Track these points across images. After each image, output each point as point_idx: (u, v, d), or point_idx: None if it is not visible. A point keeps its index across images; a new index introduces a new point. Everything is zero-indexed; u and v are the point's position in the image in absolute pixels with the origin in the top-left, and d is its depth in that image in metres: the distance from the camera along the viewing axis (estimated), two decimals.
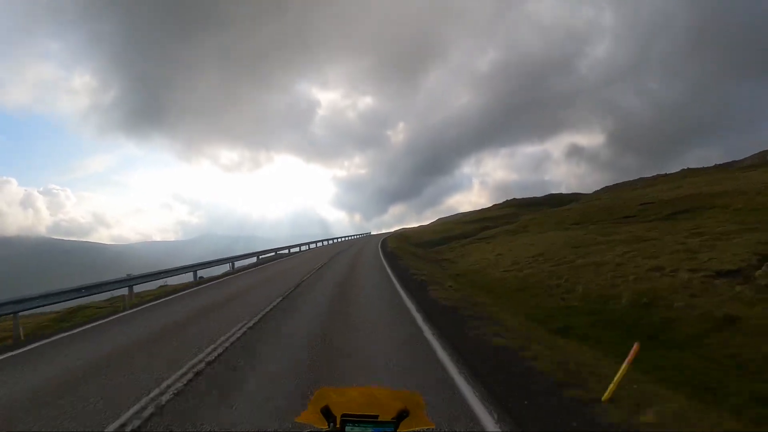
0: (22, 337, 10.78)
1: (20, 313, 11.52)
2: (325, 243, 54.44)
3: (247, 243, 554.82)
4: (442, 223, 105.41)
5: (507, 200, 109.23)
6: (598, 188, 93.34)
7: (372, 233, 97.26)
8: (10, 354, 8.83)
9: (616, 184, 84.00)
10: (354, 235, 77.00)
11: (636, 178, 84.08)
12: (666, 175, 75.72)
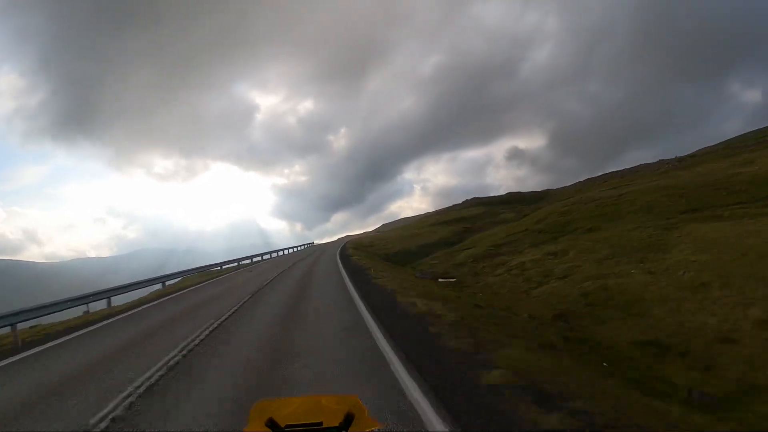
0: None
1: None
2: (258, 259, 41.17)
3: (183, 256, 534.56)
4: (402, 227, 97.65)
5: (467, 200, 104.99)
6: (556, 186, 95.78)
7: (315, 243, 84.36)
8: None
9: (590, 178, 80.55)
10: (294, 248, 58.73)
11: (584, 179, 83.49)
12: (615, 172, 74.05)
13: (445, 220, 72.88)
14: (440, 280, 23.69)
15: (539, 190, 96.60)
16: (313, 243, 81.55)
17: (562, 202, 43.76)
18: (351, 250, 37.62)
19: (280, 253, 50.56)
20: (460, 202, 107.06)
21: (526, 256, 24.07)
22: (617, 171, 72.86)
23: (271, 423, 1.20)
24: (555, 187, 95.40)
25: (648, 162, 74.15)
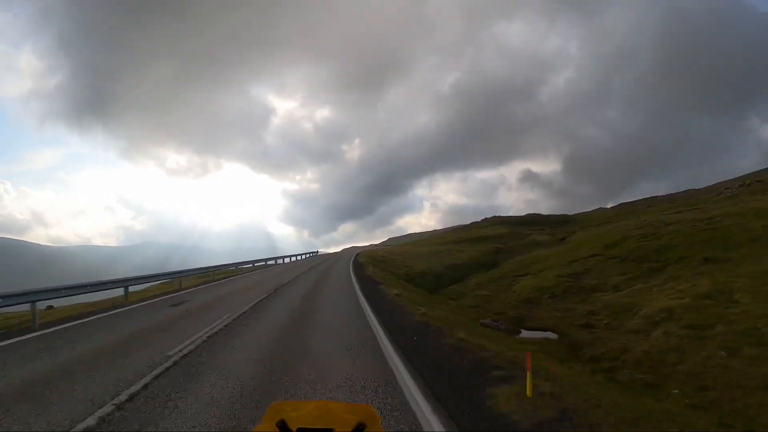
0: None
1: None
2: (248, 266, 36.23)
3: (189, 253, 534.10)
4: (414, 242, 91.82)
5: (486, 218, 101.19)
6: (572, 212, 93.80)
7: (319, 252, 76.61)
8: None
9: (626, 203, 76.00)
10: (296, 257, 51.58)
11: (596, 207, 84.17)
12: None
13: (466, 238, 66.64)
14: (524, 333, 16.00)
15: (556, 213, 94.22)
16: (317, 252, 73.85)
17: (614, 225, 38.14)
18: (368, 268, 30.02)
19: (279, 261, 43.84)
20: (478, 220, 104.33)
21: (649, 296, 17.14)
22: (663, 195, 68.09)
23: (282, 424, 1.20)
24: (571, 213, 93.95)
25: (660, 194, 75.04)
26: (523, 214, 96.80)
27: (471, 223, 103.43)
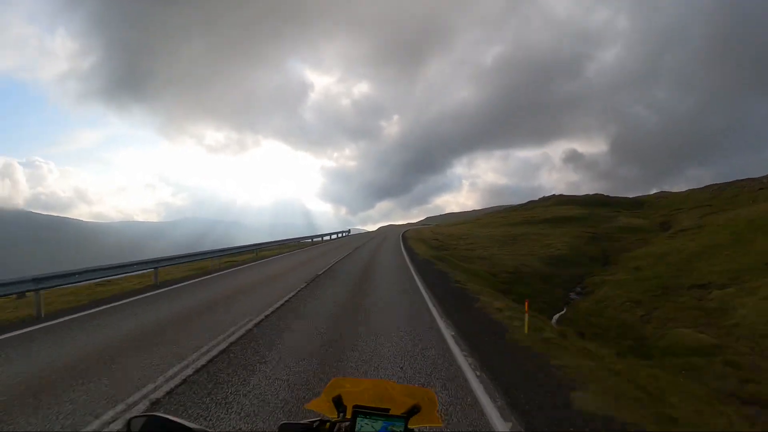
0: None
1: None
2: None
3: (227, 228, 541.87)
4: (464, 222, 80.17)
5: (545, 197, 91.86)
6: (613, 194, 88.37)
7: (351, 231, 60.99)
8: None
9: (710, 184, 64.09)
10: (324, 237, 39.68)
11: (701, 186, 70.45)
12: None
13: (533, 219, 55.24)
14: None
15: (617, 196, 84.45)
16: (349, 232, 58.91)
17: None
18: (434, 262, 20.01)
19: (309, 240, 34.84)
20: (535, 199, 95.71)
21: None
22: (750, 179, 56.58)
23: (338, 400, 1.22)
24: (612, 195, 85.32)
25: (707, 182, 68.83)
26: (581, 194, 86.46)
27: (527, 202, 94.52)
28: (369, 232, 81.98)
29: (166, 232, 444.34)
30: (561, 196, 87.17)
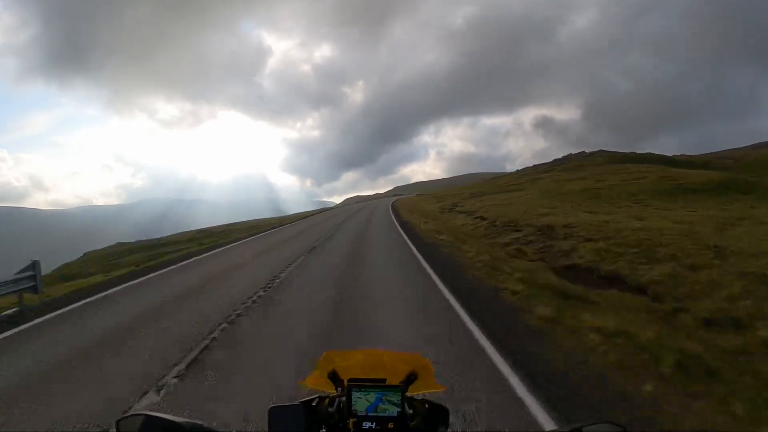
0: None
1: None
2: None
3: (189, 207, 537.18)
4: (458, 190, 65.15)
5: (588, 152, 79.44)
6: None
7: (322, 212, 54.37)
8: None
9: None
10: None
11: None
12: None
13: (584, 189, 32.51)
14: None
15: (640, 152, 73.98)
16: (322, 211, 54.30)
17: None
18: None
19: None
20: (561, 156, 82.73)
21: None
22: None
23: (333, 374, 1.23)
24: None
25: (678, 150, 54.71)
26: (589, 151, 79.74)
27: (566, 157, 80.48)
28: (328, 210, 64.09)
29: (125, 214, 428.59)
30: (603, 151, 75.52)
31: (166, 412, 1.09)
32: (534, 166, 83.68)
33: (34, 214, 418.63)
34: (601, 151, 76.91)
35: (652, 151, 71.05)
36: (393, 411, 1.11)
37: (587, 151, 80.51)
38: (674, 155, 78.20)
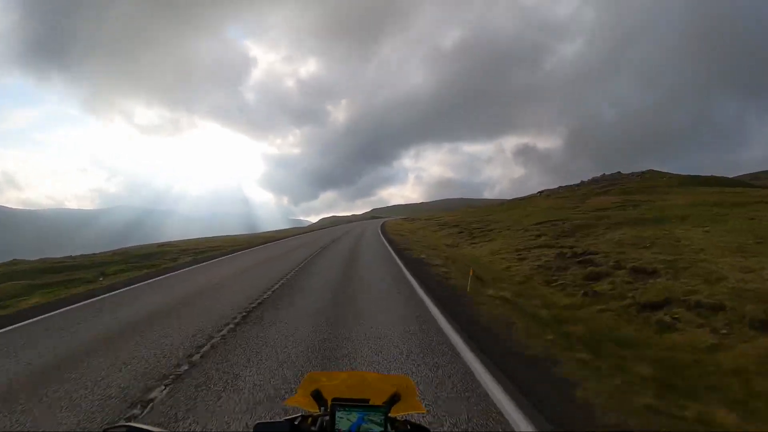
0: None
1: None
2: None
3: (162, 218, 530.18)
4: (463, 213, 61.43)
5: (598, 176, 69.91)
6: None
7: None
8: None
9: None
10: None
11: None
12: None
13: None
14: None
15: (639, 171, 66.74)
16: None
17: None
18: None
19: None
20: (578, 183, 69.31)
21: None
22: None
23: (317, 394, 1.24)
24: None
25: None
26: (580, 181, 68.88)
27: (586, 182, 67.25)
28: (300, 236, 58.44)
29: (96, 220, 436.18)
30: (654, 171, 65.94)
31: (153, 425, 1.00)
32: (581, 183, 69.05)
33: (4, 212, 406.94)
34: (651, 171, 65.42)
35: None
36: (376, 430, 1.12)
37: (623, 172, 69.48)
38: (737, 176, 72.95)
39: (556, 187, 72.89)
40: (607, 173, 71.03)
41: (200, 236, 64.36)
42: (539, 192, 70.65)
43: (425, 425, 1.23)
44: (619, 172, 69.26)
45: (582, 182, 69.34)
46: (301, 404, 1.27)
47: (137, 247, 30.81)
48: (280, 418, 1.22)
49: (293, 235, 39.95)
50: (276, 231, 70.01)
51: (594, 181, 67.00)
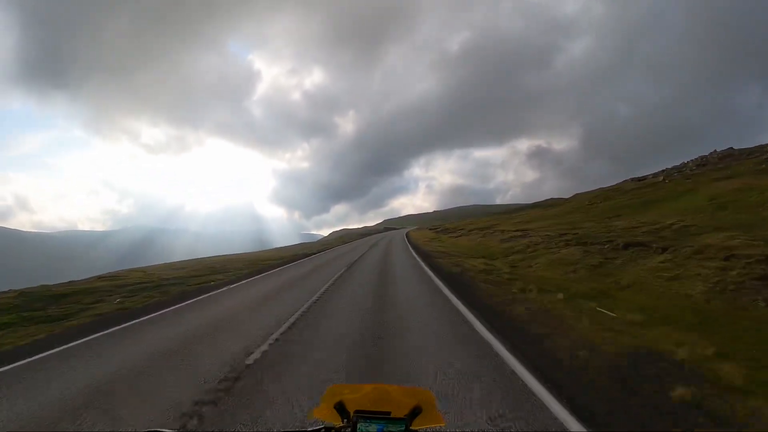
0: None
1: None
2: None
3: (173, 237, 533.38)
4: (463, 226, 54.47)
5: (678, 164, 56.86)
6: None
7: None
8: None
9: None
10: None
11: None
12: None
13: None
14: None
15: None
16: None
17: None
18: None
19: None
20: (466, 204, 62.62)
21: None
22: None
23: (340, 407, 1.24)
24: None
25: None
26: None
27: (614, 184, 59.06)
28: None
29: (107, 240, 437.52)
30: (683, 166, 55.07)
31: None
32: (665, 170, 55.04)
33: (18, 235, 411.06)
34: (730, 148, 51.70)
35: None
36: None
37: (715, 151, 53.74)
38: None
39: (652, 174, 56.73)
40: (688, 160, 56.47)
41: (208, 254, 62.54)
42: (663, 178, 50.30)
43: None
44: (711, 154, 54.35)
45: (665, 170, 56.25)
46: (324, 416, 1.26)
47: (69, 285, 25.90)
48: (303, 429, 1.23)
49: (283, 263, 27.09)
50: (277, 249, 66.62)
51: (677, 169, 54.30)
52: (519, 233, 29.05)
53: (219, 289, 14.10)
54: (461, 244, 33.14)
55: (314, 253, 33.92)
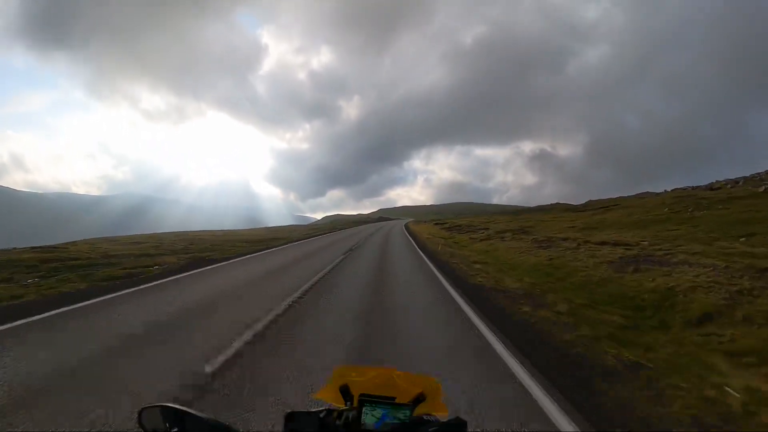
0: None
1: None
2: None
3: (166, 206, 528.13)
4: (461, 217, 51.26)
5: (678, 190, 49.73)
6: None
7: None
8: None
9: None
10: None
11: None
12: None
13: None
14: None
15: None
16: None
17: None
18: None
19: None
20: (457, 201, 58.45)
21: None
22: None
23: (345, 389, 1.24)
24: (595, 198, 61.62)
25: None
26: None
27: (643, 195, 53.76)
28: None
29: (99, 206, 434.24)
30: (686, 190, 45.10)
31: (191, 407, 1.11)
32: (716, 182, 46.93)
33: (10, 193, 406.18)
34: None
35: (666, 189, 49.49)
36: (400, 428, 1.14)
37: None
38: None
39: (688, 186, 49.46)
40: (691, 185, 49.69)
41: (200, 228, 60.07)
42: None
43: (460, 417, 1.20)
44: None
45: (716, 181, 48.19)
46: (328, 398, 1.27)
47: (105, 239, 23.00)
48: (308, 410, 1.21)
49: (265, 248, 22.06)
50: (267, 229, 63.15)
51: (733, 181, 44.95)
52: (624, 248, 13.91)
53: (152, 282, 10.44)
54: (518, 263, 14.97)
55: (301, 239, 31.57)
